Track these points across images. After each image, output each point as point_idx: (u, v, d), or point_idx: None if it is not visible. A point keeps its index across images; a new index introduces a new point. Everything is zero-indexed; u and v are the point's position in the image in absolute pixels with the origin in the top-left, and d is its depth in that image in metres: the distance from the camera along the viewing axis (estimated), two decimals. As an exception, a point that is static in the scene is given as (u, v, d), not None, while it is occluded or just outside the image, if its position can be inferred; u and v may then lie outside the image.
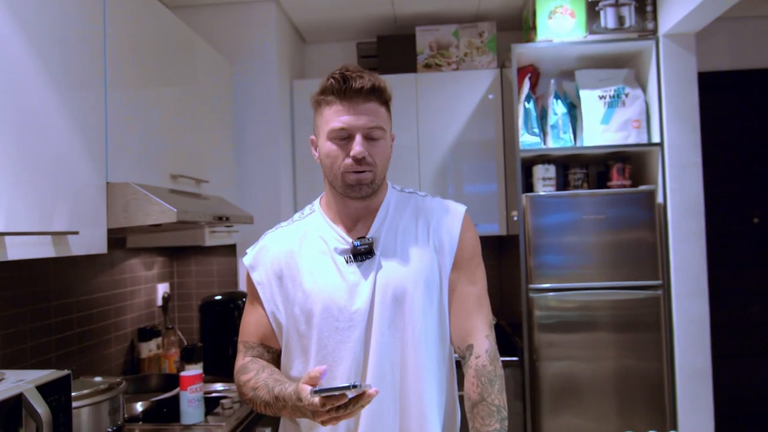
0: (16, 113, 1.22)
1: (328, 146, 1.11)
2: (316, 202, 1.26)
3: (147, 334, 2.25)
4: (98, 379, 1.41)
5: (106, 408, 1.34)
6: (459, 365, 1.20)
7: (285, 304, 1.17)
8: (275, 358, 1.22)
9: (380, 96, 1.12)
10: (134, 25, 1.72)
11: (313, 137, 1.19)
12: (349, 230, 1.18)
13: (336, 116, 1.09)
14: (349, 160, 1.09)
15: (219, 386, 2.17)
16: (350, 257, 1.14)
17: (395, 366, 1.13)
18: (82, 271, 1.97)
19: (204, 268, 2.65)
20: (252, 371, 1.14)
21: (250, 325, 1.22)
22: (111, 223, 1.53)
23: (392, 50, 2.94)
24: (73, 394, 1.29)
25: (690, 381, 2.37)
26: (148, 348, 2.24)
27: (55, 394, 1.09)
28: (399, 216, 1.20)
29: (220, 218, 1.86)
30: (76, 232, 1.35)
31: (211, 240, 2.27)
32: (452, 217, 1.21)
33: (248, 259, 1.22)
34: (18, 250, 1.19)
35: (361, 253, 1.14)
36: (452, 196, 2.82)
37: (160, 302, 2.47)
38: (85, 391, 1.31)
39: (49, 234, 1.29)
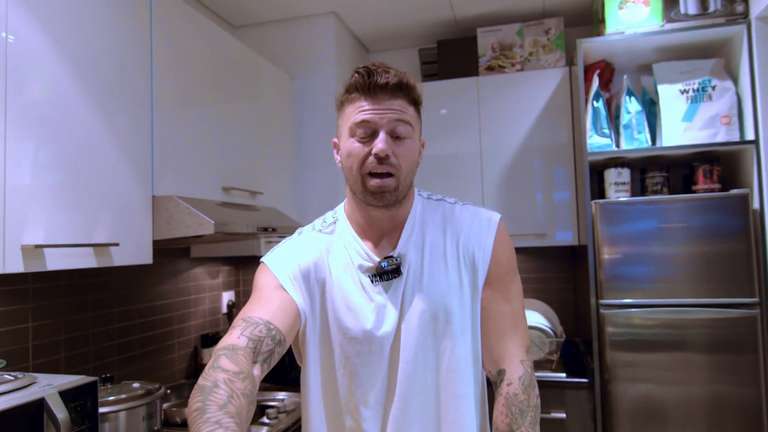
0: (65, 137, 1.32)
1: (349, 144, 1.01)
2: (340, 208, 1.15)
3: (210, 340, 2.34)
4: (137, 384, 1.47)
5: (141, 413, 1.39)
6: (489, 383, 1.10)
7: (312, 306, 1.05)
8: (275, 351, 0.94)
9: (408, 94, 1.02)
10: (183, 47, 1.80)
11: (335, 140, 1.09)
12: (375, 245, 1.08)
13: (358, 111, 1.00)
14: (371, 159, 0.99)
15: (280, 395, 2.21)
16: (375, 277, 1.05)
17: (427, 393, 1.05)
18: (145, 280, 2.09)
19: (267, 277, 2.71)
20: (236, 367, 0.86)
21: (258, 302, 1.00)
22: (156, 235, 1.61)
23: (453, 54, 2.86)
24: (109, 398, 1.36)
25: (796, 414, 2.04)
26: (211, 354, 2.32)
27: (80, 399, 1.13)
28: (426, 228, 1.09)
29: (265, 229, 1.88)
30: (117, 244, 1.43)
31: (266, 249, 2.31)
32: (485, 229, 1.09)
33: (272, 261, 1.07)
34: (58, 261, 1.28)
35: (387, 272, 1.04)
36: (519, 206, 2.67)
37: (224, 310, 2.56)
38: (121, 396, 1.37)
39: (91, 246, 1.36)
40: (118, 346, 1.93)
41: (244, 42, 2.46)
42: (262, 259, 1.10)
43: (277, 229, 1.97)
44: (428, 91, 2.67)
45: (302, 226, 2.15)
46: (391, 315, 1.04)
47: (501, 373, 1.06)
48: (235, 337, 0.92)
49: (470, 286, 1.07)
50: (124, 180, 1.51)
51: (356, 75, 1.01)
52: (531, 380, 1.05)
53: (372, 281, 1.05)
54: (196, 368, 2.35)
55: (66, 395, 1.10)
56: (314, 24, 2.72)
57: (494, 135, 2.70)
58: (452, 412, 1.05)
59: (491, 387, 1.09)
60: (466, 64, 2.81)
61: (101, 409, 1.27)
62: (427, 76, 2.99)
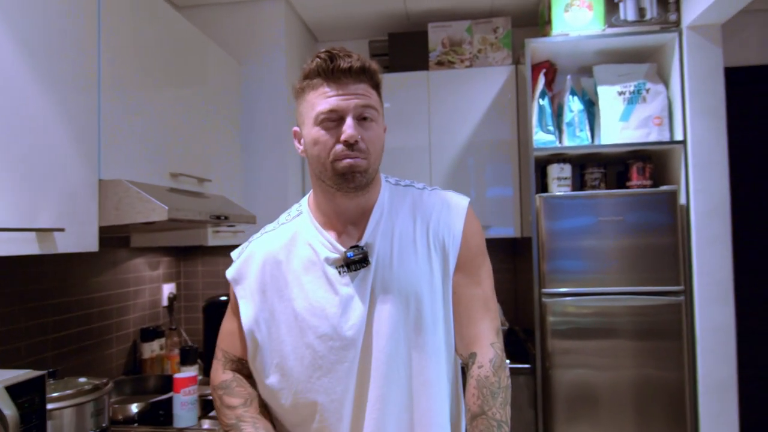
0: (7, 115, 1.20)
1: (315, 132, 0.99)
2: (304, 200, 1.15)
3: (150, 334, 2.23)
4: (83, 379, 1.38)
5: (89, 409, 1.31)
6: (464, 371, 1.12)
7: (269, 322, 1.07)
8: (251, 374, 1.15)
9: (371, 77, 1.01)
10: (132, 26, 1.69)
11: (296, 128, 1.07)
12: (340, 235, 1.07)
13: (323, 98, 0.98)
14: (339, 146, 0.98)
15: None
16: (343, 268, 1.04)
17: (401, 382, 1.04)
18: (82, 270, 1.96)
19: (211, 268, 2.62)
20: (238, 399, 1.10)
21: (230, 335, 1.16)
22: (103, 221, 1.51)
23: (404, 48, 2.88)
24: (54, 394, 1.26)
25: (714, 393, 2.23)
26: (151, 349, 2.21)
27: (28, 395, 1.05)
28: (395, 215, 1.08)
29: (218, 217, 1.82)
30: (62, 229, 1.33)
31: (214, 240, 2.24)
32: (454, 214, 1.08)
33: (231, 272, 1.13)
34: (-2, 247, 1.17)
35: (355, 262, 1.03)
36: (464, 197, 2.73)
37: (165, 302, 2.45)
38: (67, 392, 1.28)
39: (33, 230, 1.26)
40: (53, 341, 1.80)
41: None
42: (226, 274, 1.15)
43: (229, 218, 1.91)
44: (379, 82, 2.66)
45: (251, 214, 2.11)
46: (359, 306, 1.03)
47: (472, 356, 1.07)
48: (221, 371, 1.15)
49: (441, 273, 1.07)
50: (69, 162, 1.40)
51: (317, 59, 0.99)
52: (501, 362, 1.07)
53: (339, 273, 1.04)
54: (135, 364, 2.23)
55: (13, 391, 1.02)
56: (263, 9, 2.64)
57: (443, 129, 2.75)
58: (425, 399, 1.05)
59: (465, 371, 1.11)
60: (417, 58, 2.83)
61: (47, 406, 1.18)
62: (377, 68, 2.99)
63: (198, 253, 2.62)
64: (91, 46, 1.49)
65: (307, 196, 1.15)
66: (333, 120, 0.98)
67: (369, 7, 2.78)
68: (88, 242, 1.46)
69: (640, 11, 2.37)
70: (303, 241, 1.08)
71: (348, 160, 0.98)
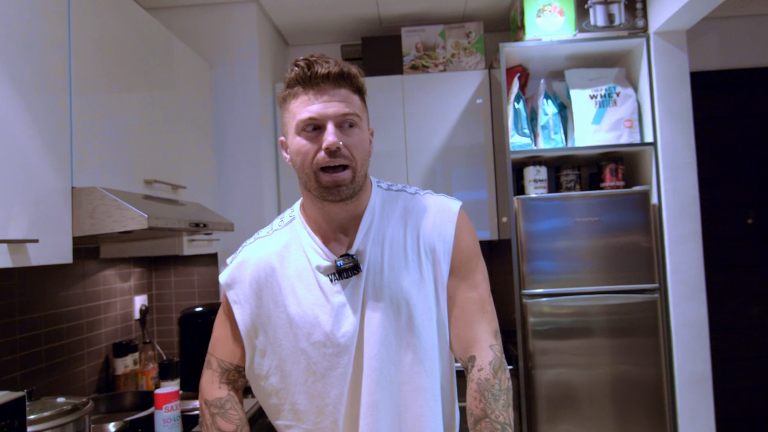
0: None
1: (297, 142, 0.98)
2: (296, 206, 1.14)
3: (123, 349, 2.13)
4: (62, 399, 1.30)
5: (69, 431, 1.23)
6: (460, 373, 1.11)
7: (266, 326, 1.07)
8: (247, 382, 1.15)
9: (351, 82, 0.99)
10: (103, 27, 1.62)
11: (282, 138, 1.06)
12: (331, 242, 1.06)
13: (303, 107, 0.97)
14: (321, 154, 0.96)
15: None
16: (334, 275, 1.03)
17: (393, 388, 1.04)
18: (51, 283, 1.86)
19: (184, 279, 2.54)
20: (230, 425, 1.09)
21: (223, 341, 1.13)
22: (77, 231, 1.43)
23: (377, 52, 2.87)
24: (32, 416, 1.18)
25: (690, 386, 2.29)
26: (124, 364, 2.12)
27: (7, 418, 0.98)
28: (386, 221, 1.07)
29: (197, 225, 1.76)
30: (36, 240, 1.25)
31: (189, 249, 2.16)
32: (445, 220, 1.07)
33: (224, 276, 1.12)
34: (-33, 260, 1.09)
35: (346, 270, 1.02)
36: (441, 201, 2.73)
37: (137, 315, 2.35)
38: (46, 413, 1.20)
39: (5, 242, 1.18)
40: (21, 360, 1.70)
41: (160, 25, 2.28)
42: (220, 279, 1.14)
43: (208, 225, 1.85)
44: (354, 87, 2.64)
45: (229, 222, 2.05)
46: (351, 314, 1.02)
47: (471, 359, 1.06)
48: (216, 387, 1.11)
49: (433, 279, 1.06)
50: (40, 169, 1.32)
51: (296, 68, 0.98)
52: (501, 364, 1.06)
53: (331, 281, 1.03)
54: (107, 380, 2.13)
55: (-9, 414, 0.94)
56: (234, 12, 2.58)
57: (419, 133, 2.75)
58: (418, 405, 1.05)
59: (461, 377, 1.09)
60: (391, 62, 2.83)
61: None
62: (350, 73, 2.97)
63: (170, 263, 2.53)
64: (61, 48, 1.42)
65: (299, 201, 1.13)
66: (314, 128, 0.97)
67: (341, 11, 2.76)
68: (62, 254, 1.38)
69: (610, 17, 2.44)
70: (296, 247, 1.08)
71: (331, 176, 0.97)
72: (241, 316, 1.08)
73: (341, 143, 0.96)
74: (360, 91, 1.02)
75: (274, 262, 1.08)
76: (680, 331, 2.31)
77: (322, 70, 0.96)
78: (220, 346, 1.13)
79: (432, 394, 1.06)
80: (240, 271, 1.10)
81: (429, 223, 1.07)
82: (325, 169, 0.97)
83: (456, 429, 1.14)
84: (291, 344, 1.05)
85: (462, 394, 1.11)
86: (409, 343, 1.04)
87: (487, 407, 1.02)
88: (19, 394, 1.01)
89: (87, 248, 2.07)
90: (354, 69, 1.00)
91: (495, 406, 1.02)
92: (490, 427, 1.00)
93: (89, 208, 1.44)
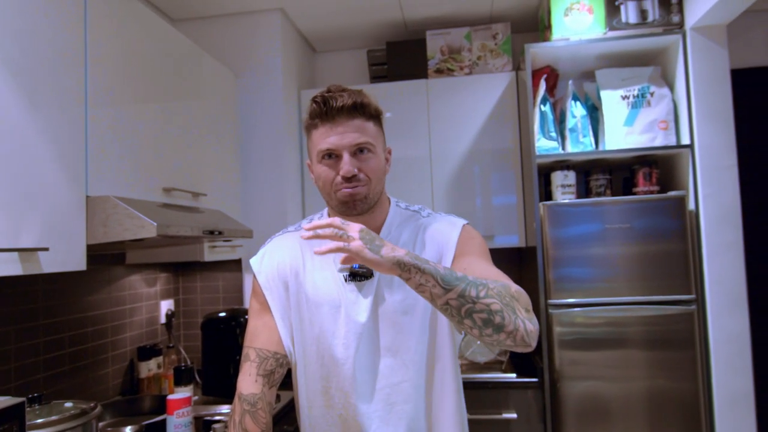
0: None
1: (319, 168, 1.11)
2: (325, 211, 1.25)
3: (147, 353, 2.18)
4: (69, 404, 1.33)
5: (76, 436, 1.26)
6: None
7: (293, 310, 1.17)
8: (284, 374, 1.18)
9: (364, 111, 1.10)
10: (121, 39, 1.66)
11: (308, 161, 1.18)
12: None
13: (322, 138, 1.09)
14: (339, 179, 1.08)
15: (224, 408, 2.08)
16: (348, 276, 1.13)
17: (402, 389, 1.11)
18: (75, 288, 1.92)
19: (209, 284, 2.58)
20: (257, 428, 1.10)
21: (260, 330, 1.17)
22: (90, 239, 1.47)
23: (402, 56, 2.84)
24: (38, 421, 1.22)
25: (730, 404, 2.15)
26: (148, 367, 2.16)
27: (5, 423, 1.00)
28: (402, 237, 1.17)
29: (212, 232, 1.77)
30: (46, 249, 1.29)
31: (211, 255, 2.19)
32: (450, 229, 1.17)
33: (255, 263, 1.22)
34: (-24, 269, 1.13)
35: (359, 274, 1.12)
36: (467, 209, 2.68)
37: (163, 320, 2.41)
38: (53, 418, 1.23)
39: (15, 251, 1.22)
40: (44, 362, 1.76)
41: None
42: (251, 263, 1.22)
43: (224, 232, 1.87)
44: (377, 92, 2.63)
45: (247, 229, 2.07)
46: (362, 312, 1.10)
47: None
48: (252, 380, 1.12)
49: None
50: (54, 179, 1.36)
51: (314, 104, 1.09)
52: (521, 295, 0.97)
53: (345, 280, 1.13)
54: (132, 383, 2.18)
55: (-12, 420, 0.97)
56: (260, 20, 2.62)
57: (444, 138, 2.70)
58: (431, 411, 1.13)
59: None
60: (416, 66, 2.79)
61: (29, 434, 1.13)
62: (376, 78, 2.96)
63: (196, 269, 2.58)
64: (77, 60, 1.46)
65: (327, 208, 1.24)
66: (332, 157, 1.09)
67: (366, 17, 2.75)
68: (75, 261, 1.42)
69: (642, 13, 2.32)
70: (320, 244, 1.12)
71: (347, 190, 1.08)
72: (272, 299, 1.17)
73: (356, 170, 1.07)
74: (374, 117, 1.12)
75: (299, 253, 1.18)
76: (719, 345, 2.17)
77: (336, 104, 1.07)
78: (256, 336, 1.17)
79: (442, 400, 1.13)
80: (270, 259, 1.20)
81: (437, 235, 1.16)
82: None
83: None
84: (307, 330, 1.14)
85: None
86: (413, 351, 1.10)
87: (490, 281, 0.94)
88: (19, 400, 1.04)
89: (113, 254, 2.14)
90: (367, 98, 1.10)
91: (500, 287, 0.94)
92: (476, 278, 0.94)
93: (102, 217, 1.47)
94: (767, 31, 2.71)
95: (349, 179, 1.07)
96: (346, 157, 1.07)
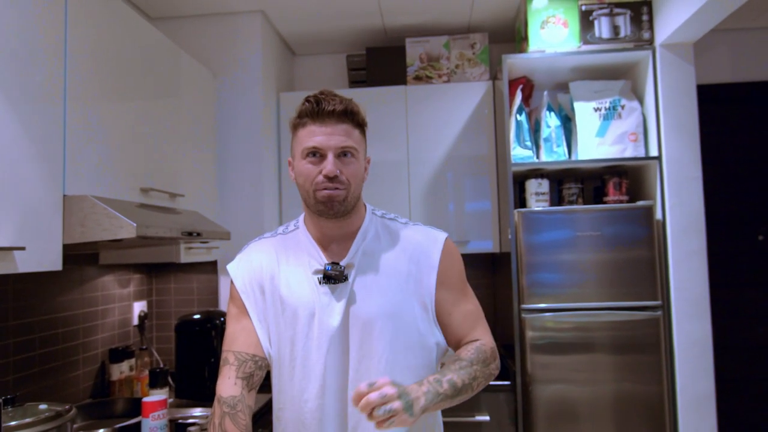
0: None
1: (302, 165, 1.13)
2: (301, 218, 1.27)
3: (119, 355, 2.15)
4: (44, 406, 1.31)
5: (49, 439, 1.24)
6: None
7: (270, 312, 1.18)
8: (263, 376, 1.19)
9: (353, 118, 1.14)
10: (102, 37, 1.65)
11: (290, 159, 1.21)
12: (327, 250, 1.19)
13: (310, 136, 1.12)
14: (321, 178, 1.11)
15: (197, 411, 2.06)
16: (324, 279, 1.15)
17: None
18: (47, 289, 1.88)
19: (184, 286, 2.55)
20: (239, 426, 1.10)
21: (238, 334, 1.18)
22: (67, 239, 1.44)
23: (382, 62, 2.87)
24: (12, 423, 1.19)
25: (692, 406, 2.23)
26: (120, 370, 2.13)
27: (-20, 426, 0.98)
28: (377, 243, 1.19)
29: (190, 234, 1.76)
30: (22, 248, 1.26)
31: (187, 257, 2.17)
32: (432, 245, 1.20)
33: (232, 268, 1.23)
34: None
35: (333, 276, 1.14)
36: (443, 214, 2.72)
37: (136, 321, 2.37)
38: (27, 420, 1.21)
39: (-10, 250, 1.20)
40: (14, 364, 1.72)
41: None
42: (228, 268, 1.24)
43: (202, 234, 1.86)
44: (356, 97, 2.59)
45: (225, 231, 2.06)
46: (336, 314, 1.12)
47: (475, 340, 1.19)
48: (232, 383, 1.13)
49: (419, 297, 1.17)
50: (31, 177, 1.34)
51: (306, 103, 1.13)
52: (497, 357, 1.19)
53: (319, 282, 1.15)
54: (102, 386, 2.15)
55: (-37, 422, 0.95)
56: (240, 21, 2.61)
57: (422, 144, 2.74)
58: None
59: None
60: (395, 72, 2.83)
61: (3, 436, 1.11)
62: (355, 83, 2.98)
63: (171, 270, 2.55)
64: (56, 58, 1.44)
65: (303, 215, 1.27)
66: (317, 156, 1.12)
67: (346, 22, 2.77)
68: (52, 261, 1.40)
69: (615, 29, 2.41)
70: (296, 249, 1.21)
71: (327, 191, 1.11)
72: (249, 303, 1.19)
73: (338, 171, 1.11)
74: (360, 125, 1.17)
75: (275, 259, 1.21)
76: (683, 349, 2.26)
77: (328, 107, 1.11)
78: (235, 339, 1.18)
79: None
80: (246, 264, 1.22)
81: (417, 248, 1.20)
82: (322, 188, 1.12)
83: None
84: (282, 333, 1.16)
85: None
86: (381, 358, 1.11)
87: (476, 360, 1.13)
88: (-6, 401, 1.01)
89: (86, 254, 2.10)
90: (357, 107, 1.15)
91: (479, 360, 1.13)
92: (465, 360, 1.12)
93: (80, 216, 1.45)
94: (730, 49, 2.85)
95: (331, 179, 1.10)
96: (330, 157, 1.11)
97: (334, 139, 1.11)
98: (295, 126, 1.16)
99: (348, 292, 1.13)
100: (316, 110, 1.11)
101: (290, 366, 1.15)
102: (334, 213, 1.13)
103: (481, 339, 1.19)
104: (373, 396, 0.91)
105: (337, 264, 1.14)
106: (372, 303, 1.13)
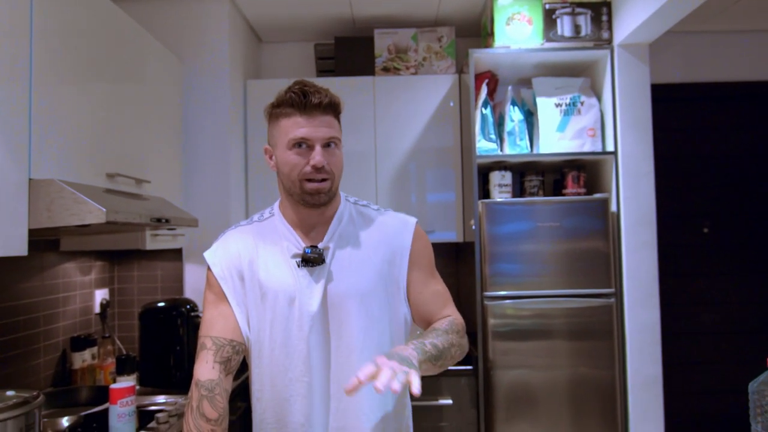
0: None
1: (287, 155, 1.15)
2: (276, 205, 1.29)
3: (81, 343, 2.11)
4: (11, 393, 1.28)
5: (18, 425, 1.22)
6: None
7: (249, 296, 1.20)
8: (240, 361, 1.21)
9: (335, 110, 1.18)
10: (68, 17, 1.61)
11: (267, 146, 1.22)
12: (305, 235, 1.22)
13: (296, 127, 1.14)
14: (308, 168, 1.14)
15: (161, 398, 2.05)
16: (302, 262, 1.17)
17: (349, 373, 1.12)
18: (6, 276, 1.83)
19: (147, 273, 2.52)
20: (215, 412, 1.12)
21: (215, 319, 1.20)
22: (33, 223, 1.42)
23: (350, 52, 2.88)
24: (-22, 410, 1.17)
25: (642, 389, 2.37)
26: (82, 358, 2.09)
27: (-51, 411, 0.97)
28: (352, 226, 1.24)
29: (159, 220, 1.75)
30: (-12, 232, 1.24)
31: (153, 244, 2.15)
32: (403, 228, 1.25)
33: (209, 255, 1.24)
34: None
35: (311, 259, 1.17)
36: (409, 204, 2.77)
37: (97, 309, 2.33)
38: (-7, 407, 1.19)
39: (-45, 233, 1.17)
40: (-28, 352, 1.67)
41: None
42: (205, 255, 1.24)
43: (171, 221, 1.84)
44: (325, 86, 2.65)
45: (193, 218, 2.05)
46: (315, 297, 1.16)
47: (445, 315, 1.25)
48: (210, 367, 1.14)
49: (394, 279, 1.22)
50: (-4, 159, 1.31)
51: (292, 94, 1.14)
52: (464, 331, 1.24)
53: (297, 265, 1.18)
54: (64, 374, 2.10)
55: (-68, 407, 0.93)
56: (206, 6, 2.57)
57: (389, 134, 2.77)
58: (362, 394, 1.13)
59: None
60: (363, 63, 2.85)
61: (-30, 423, 1.09)
62: (323, 72, 2.98)
63: (134, 258, 2.51)
64: (22, 38, 1.40)
65: (278, 202, 1.29)
66: (303, 146, 1.14)
67: (315, 10, 2.77)
68: (17, 246, 1.37)
69: (576, 28, 2.50)
70: (273, 235, 1.24)
71: (315, 184, 1.15)
72: (227, 289, 1.20)
73: (326, 162, 1.14)
74: (339, 116, 1.20)
75: (253, 245, 1.22)
76: (634, 335, 2.39)
77: (315, 100, 1.13)
78: (213, 325, 1.19)
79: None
80: (223, 251, 1.23)
81: (390, 231, 1.25)
82: (309, 179, 1.15)
83: (404, 420, 1.25)
84: (260, 317, 1.19)
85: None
86: (356, 337, 1.16)
87: (450, 330, 1.18)
88: (-36, 387, 1.00)
89: (46, 240, 2.05)
90: (338, 98, 1.18)
91: (453, 330, 1.18)
92: (440, 330, 1.16)
93: (46, 201, 1.42)
94: (683, 50, 2.99)
95: (318, 170, 1.14)
96: (318, 148, 1.14)
97: (321, 130, 1.14)
98: (276, 115, 1.17)
99: (326, 273, 1.17)
100: (303, 102, 1.13)
101: (270, 347, 1.17)
102: (319, 203, 1.17)
103: (452, 316, 1.24)
104: (384, 374, 0.92)
105: (316, 247, 1.17)
106: (348, 282, 1.18)
